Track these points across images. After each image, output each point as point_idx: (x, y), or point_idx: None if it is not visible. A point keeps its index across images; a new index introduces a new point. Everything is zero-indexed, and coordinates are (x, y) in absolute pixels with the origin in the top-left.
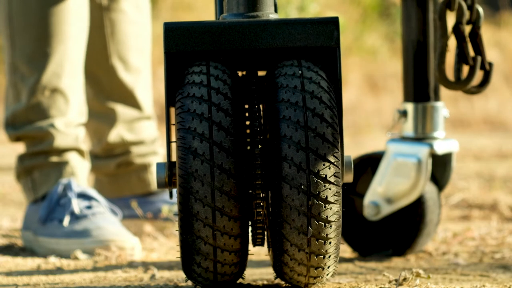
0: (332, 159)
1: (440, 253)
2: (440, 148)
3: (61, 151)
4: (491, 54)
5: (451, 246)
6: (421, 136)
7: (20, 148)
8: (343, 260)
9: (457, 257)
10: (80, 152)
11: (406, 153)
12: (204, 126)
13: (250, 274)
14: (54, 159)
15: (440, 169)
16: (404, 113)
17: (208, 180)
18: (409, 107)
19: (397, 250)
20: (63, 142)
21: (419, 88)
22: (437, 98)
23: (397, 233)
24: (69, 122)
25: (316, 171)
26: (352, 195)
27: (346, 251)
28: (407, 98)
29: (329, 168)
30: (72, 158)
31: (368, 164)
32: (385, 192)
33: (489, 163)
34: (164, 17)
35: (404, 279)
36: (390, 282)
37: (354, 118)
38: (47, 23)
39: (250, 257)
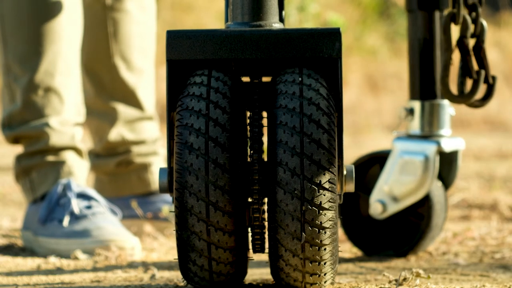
0: (327, 165)
1: (440, 253)
2: (447, 145)
3: (57, 150)
4: (491, 54)
5: (451, 246)
6: (428, 134)
7: (19, 149)
8: (343, 260)
9: (457, 257)
10: (77, 151)
11: (413, 151)
12: (201, 122)
13: (250, 274)
14: (51, 158)
15: (446, 167)
16: (410, 111)
17: (202, 174)
18: (416, 105)
19: (400, 251)
20: (58, 140)
21: (426, 86)
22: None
23: (402, 235)
24: (65, 120)
25: (310, 176)
26: (361, 193)
27: (346, 251)
28: (413, 96)
29: (324, 174)
30: (69, 157)
31: (377, 162)
32: (391, 190)
33: (489, 163)
34: (164, 17)
35: (404, 279)
36: (390, 282)
37: (354, 118)
38: (38, 23)
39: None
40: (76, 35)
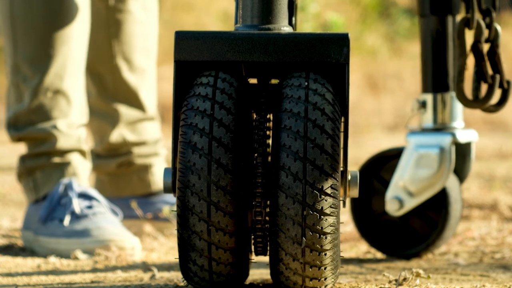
0: (330, 170)
1: (440, 253)
2: (462, 137)
3: (63, 152)
4: None
5: (451, 246)
6: (441, 127)
7: (21, 148)
8: (343, 260)
9: (457, 257)
10: (82, 152)
11: (428, 144)
12: (205, 122)
13: (250, 274)
14: (57, 160)
15: (460, 160)
16: (423, 104)
17: (205, 174)
18: (428, 97)
19: (404, 255)
20: (65, 143)
21: (438, 78)
22: None
23: (410, 240)
24: (72, 123)
25: (313, 181)
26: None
27: (346, 250)
28: (425, 89)
29: (326, 180)
30: (74, 158)
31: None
32: (407, 185)
33: (489, 163)
34: (164, 17)
35: (404, 279)
36: (390, 282)
37: (354, 118)
38: (49, 25)
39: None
40: (84, 36)
